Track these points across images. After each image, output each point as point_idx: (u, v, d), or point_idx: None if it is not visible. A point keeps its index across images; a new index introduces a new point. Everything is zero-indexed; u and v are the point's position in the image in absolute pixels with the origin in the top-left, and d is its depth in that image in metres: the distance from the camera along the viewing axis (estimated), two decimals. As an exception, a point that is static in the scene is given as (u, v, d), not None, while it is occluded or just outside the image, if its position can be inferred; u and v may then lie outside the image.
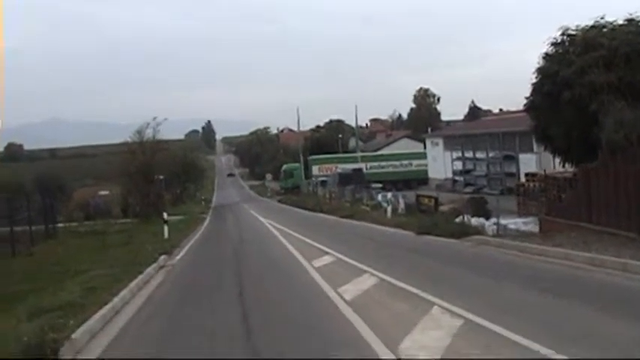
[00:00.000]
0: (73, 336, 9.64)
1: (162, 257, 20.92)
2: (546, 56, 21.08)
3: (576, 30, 20.79)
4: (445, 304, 10.45)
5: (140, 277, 16.23)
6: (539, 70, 21.07)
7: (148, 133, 50.64)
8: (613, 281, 12.20)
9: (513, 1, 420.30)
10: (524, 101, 22.21)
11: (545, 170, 23.61)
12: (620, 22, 20.45)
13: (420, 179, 70.71)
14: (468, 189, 53.26)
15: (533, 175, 28.39)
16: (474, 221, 24.27)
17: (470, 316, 9.57)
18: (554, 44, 21.00)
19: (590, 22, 20.76)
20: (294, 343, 8.99)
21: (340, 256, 18.24)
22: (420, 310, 10.28)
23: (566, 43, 20.73)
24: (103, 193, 67.33)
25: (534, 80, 21.91)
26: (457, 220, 24.73)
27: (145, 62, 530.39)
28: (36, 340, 8.94)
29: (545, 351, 7.60)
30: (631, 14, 20.33)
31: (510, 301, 11.00)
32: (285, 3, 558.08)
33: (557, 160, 24.22)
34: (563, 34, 20.88)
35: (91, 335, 10.22)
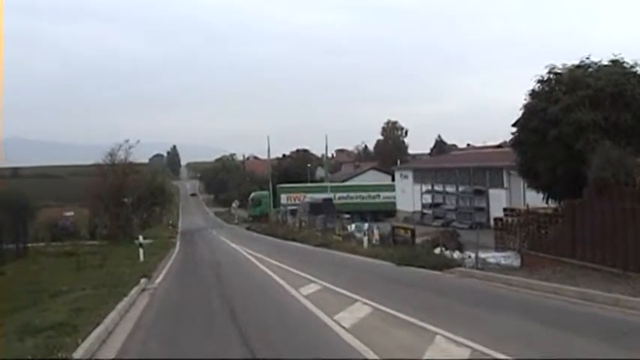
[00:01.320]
0: (75, 355, 9.51)
1: (143, 280, 20.68)
2: (533, 93, 21.44)
3: (562, 69, 21.20)
4: (447, 334, 10.48)
5: (125, 299, 16.01)
6: (526, 107, 21.41)
7: (120, 155, 50.30)
8: (609, 315, 12.35)
9: (478, 39, 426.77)
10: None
11: (528, 205, 23.83)
12: (605, 62, 20.90)
13: (388, 211, 70.92)
14: (437, 222, 53.53)
15: (512, 209, 28.66)
16: (453, 254, 24.45)
17: (475, 345, 9.63)
18: (540, 81, 21.38)
19: (576, 62, 21.19)
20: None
21: (326, 284, 18.17)
22: (424, 339, 10.30)
23: (553, 82, 21.12)
24: (67, 214, 66.28)
25: (520, 116, 22.24)
26: (436, 252, 24.90)
27: (109, 85, 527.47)
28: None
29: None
30: (615, 55, 20.85)
31: (512, 332, 11.09)
32: (251, 29, 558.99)
33: (537, 195, 24.49)
34: (549, 72, 21.27)
35: (91, 355, 10.09)
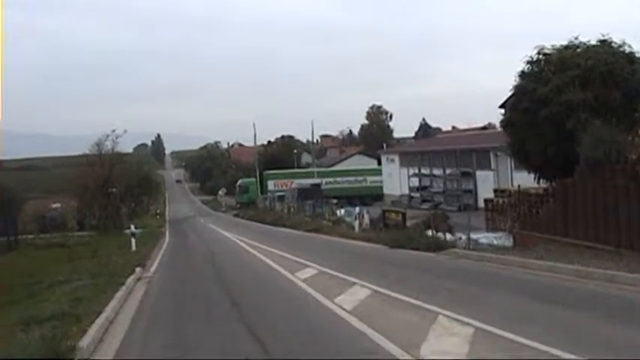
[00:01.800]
0: (80, 343, 9.55)
1: (138, 269, 20.71)
2: (522, 74, 21.54)
3: (551, 49, 21.31)
4: (449, 313, 10.59)
5: (123, 288, 16.06)
6: (516, 88, 21.52)
7: (107, 145, 50.15)
8: (607, 292, 12.47)
9: (459, 24, 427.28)
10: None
11: (519, 186, 23.99)
12: (594, 42, 21.02)
13: (375, 195, 71.02)
14: (425, 205, 53.62)
15: (502, 190, 28.82)
16: (444, 236, 24.61)
17: (479, 324, 9.71)
18: (529, 62, 21.46)
19: (564, 42, 21.30)
20: (310, 352, 9.02)
21: (322, 268, 18.27)
22: (427, 319, 10.40)
23: (542, 62, 21.22)
24: (54, 205, 66.00)
25: (508, 97, 22.38)
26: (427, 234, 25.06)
27: (91, 75, 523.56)
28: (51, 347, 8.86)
29: (567, 356, 7.79)
30: (603, 35, 20.97)
31: (514, 310, 11.22)
32: (233, 18, 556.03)
33: (525, 175, 24.66)
34: (538, 53, 21.37)
35: (96, 344, 10.14)
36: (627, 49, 20.66)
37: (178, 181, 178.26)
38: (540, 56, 21.37)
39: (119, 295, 14.86)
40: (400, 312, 11.37)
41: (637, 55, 20.66)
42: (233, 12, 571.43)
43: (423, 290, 13.41)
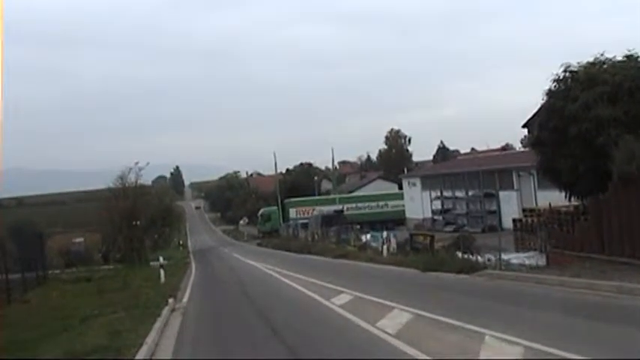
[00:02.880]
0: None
1: (170, 300, 20.67)
2: (550, 92, 21.54)
3: (578, 66, 21.31)
4: (496, 334, 10.50)
5: (159, 319, 16.01)
6: (545, 106, 21.48)
7: (130, 178, 50.42)
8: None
9: (472, 46, 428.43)
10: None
11: (550, 204, 23.86)
12: (619, 58, 21.00)
13: (397, 219, 70.90)
14: (449, 228, 53.54)
15: (531, 210, 28.73)
16: (473, 258, 24.48)
17: (527, 343, 9.66)
18: (556, 80, 21.49)
19: (590, 59, 21.29)
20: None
21: (357, 293, 18.15)
22: (475, 340, 10.32)
23: (569, 80, 21.22)
24: (77, 240, 66.24)
25: (531, 116, 22.37)
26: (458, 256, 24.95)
27: (107, 109, 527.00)
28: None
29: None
30: (630, 51, 20.95)
31: (561, 328, 11.09)
32: (245, 47, 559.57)
33: (549, 194, 24.60)
34: (565, 71, 21.40)
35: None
36: None
37: (197, 208, 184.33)
38: (567, 74, 21.38)
39: (157, 326, 14.81)
40: (446, 334, 11.25)
41: (663, 69, 20.59)
42: (245, 41, 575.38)
43: (464, 312, 13.30)
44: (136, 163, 51.04)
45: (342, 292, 18.92)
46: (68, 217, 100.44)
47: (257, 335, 13.15)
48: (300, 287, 21.98)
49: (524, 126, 36.72)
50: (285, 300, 19.54)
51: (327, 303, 17.02)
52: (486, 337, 10.37)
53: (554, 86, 21.55)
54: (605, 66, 20.97)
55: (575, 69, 21.31)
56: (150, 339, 12.96)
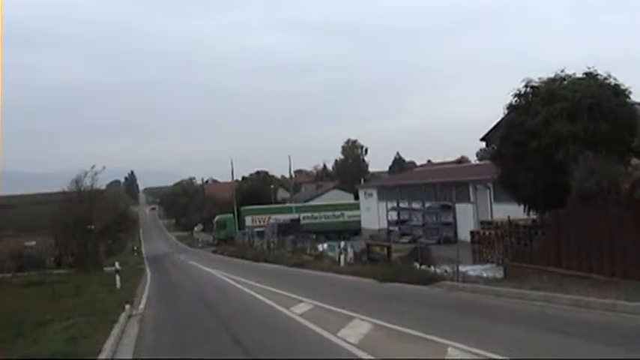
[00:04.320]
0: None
1: (127, 306, 20.41)
2: (510, 107, 21.84)
3: (539, 82, 21.64)
4: (458, 345, 10.58)
5: (117, 325, 15.80)
6: (506, 121, 21.78)
7: (86, 182, 49.81)
8: (611, 321, 12.54)
9: (430, 59, 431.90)
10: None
11: (509, 217, 24.09)
12: (580, 75, 21.39)
13: (353, 230, 71.12)
14: (404, 239, 53.72)
15: (489, 222, 28.99)
16: (430, 269, 24.63)
17: (491, 355, 9.74)
18: (517, 95, 21.80)
19: (551, 75, 21.64)
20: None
21: (316, 302, 18.14)
22: (437, 351, 10.42)
23: (530, 95, 21.55)
24: (29, 243, 65.14)
25: (491, 130, 22.63)
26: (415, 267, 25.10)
27: (61, 111, 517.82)
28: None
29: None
30: (589, 68, 21.37)
31: (522, 341, 11.21)
32: (203, 54, 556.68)
33: (505, 207, 24.92)
34: (526, 86, 21.72)
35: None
36: (613, 82, 21.04)
37: (153, 209, 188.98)
38: (528, 89, 21.70)
39: (115, 332, 14.62)
40: (408, 345, 11.31)
41: (622, 87, 21.03)
42: (203, 48, 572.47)
43: (425, 323, 13.35)
44: (92, 167, 50.54)
45: (301, 301, 18.89)
46: (19, 220, 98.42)
47: (217, 343, 13.06)
48: (258, 295, 21.90)
49: (482, 139, 37.15)
50: (244, 308, 19.44)
51: (286, 312, 16.98)
52: (449, 349, 10.44)
53: (515, 101, 21.86)
54: (565, 82, 21.35)
55: (536, 84, 21.65)
56: (108, 345, 12.78)
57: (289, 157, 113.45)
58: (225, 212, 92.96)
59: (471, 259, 27.10)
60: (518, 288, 17.49)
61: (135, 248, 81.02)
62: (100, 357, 11.52)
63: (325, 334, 12.89)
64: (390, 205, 60.81)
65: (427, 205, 54.87)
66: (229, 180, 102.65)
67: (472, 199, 47.94)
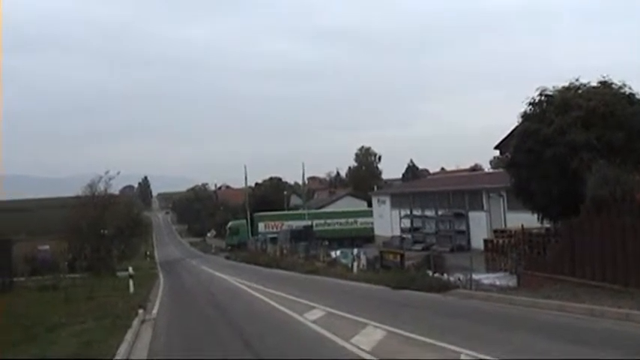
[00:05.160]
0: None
1: (140, 311, 20.48)
2: (525, 115, 21.85)
3: (553, 91, 21.65)
4: (471, 353, 10.58)
5: (130, 330, 15.86)
6: (521, 129, 21.78)
7: (100, 187, 49.99)
8: (626, 330, 12.55)
9: (444, 66, 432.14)
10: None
11: (522, 225, 24.02)
12: (594, 83, 21.39)
13: (366, 237, 71.03)
14: (417, 246, 53.64)
15: (502, 231, 28.94)
16: (443, 277, 24.61)
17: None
18: (532, 104, 21.83)
19: (566, 84, 21.64)
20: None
21: (329, 309, 18.12)
22: (450, 358, 10.35)
23: (544, 104, 21.56)
24: (42, 247, 65.41)
25: (506, 138, 22.61)
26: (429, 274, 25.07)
27: (75, 116, 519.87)
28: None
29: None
30: (604, 77, 21.36)
31: (537, 349, 11.17)
32: (217, 60, 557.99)
33: (518, 216, 24.85)
34: (540, 95, 21.75)
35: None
36: (627, 91, 21.02)
37: (167, 213, 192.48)
38: (542, 97, 21.72)
39: (128, 337, 14.67)
40: (422, 351, 11.30)
41: (637, 96, 21.01)
42: (217, 54, 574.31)
43: (438, 330, 13.34)
44: (106, 172, 50.70)
45: (314, 307, 18.88)
46: (33, 224, 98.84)
47: (231, 348, 13.09)
48: (271, 301, 21.89)
49: (496, 147, 37.16)
50: (257, 314, 19.42)
51: (300, 318, 16.96)
52: (462, 356, 10.43)
53: (530, 109, 21.89)
54: (579, 91, 21.35)
55: (551, 93, 21.67)
56: (122, 349, 12.84)
57: (302, 163, 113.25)
58: (238, 218, 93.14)
59: (484, 268, 27.09)
60: (532, 296, 17.49)
61: (148, 253, 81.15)
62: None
63: (339, 340, 12.87)
64: (403, 213, 60.77)
65: (440, 212, 54.81)
66: (242, 186, 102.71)
67: (485, 207, 47.84)
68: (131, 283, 28.92)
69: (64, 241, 55.00)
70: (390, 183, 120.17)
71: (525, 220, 24.37)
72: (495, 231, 30.81)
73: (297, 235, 59.55)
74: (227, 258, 70.40)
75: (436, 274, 25.35)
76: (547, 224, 22.60)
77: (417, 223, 58.33)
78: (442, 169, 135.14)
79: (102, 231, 49.45)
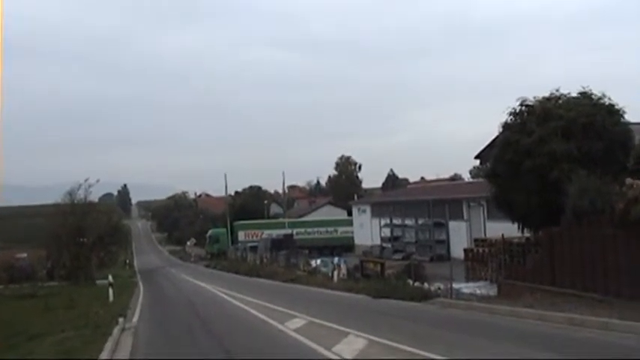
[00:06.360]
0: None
1: (120, 319, 20.36)
2: (505, 125, 22.00)
3: (534, 101, 21.81)
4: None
5: (110, 338, 15.77)
6: (501, 139, 21.92)
7: (79, 195, 49.64)
8: (606, 339, 12.65)
9: (423, 76, 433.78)
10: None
11: (502, 235, 24.16)
12: (574, 94, 21.57)
13: (346, 246, 71.07)
14: (397, 255, 53.75)
15: (483, 240, 29.10)
16: (423, 286, 24.71)
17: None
18: (512, 114, 21.97)
19: (546, 94, 21.82)
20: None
21: (310, 318, 18.12)
22: (433, 368, 10.40)
23: (525, 114, 21.72)
24: (20, 255, 64.98)
25: (486, 148, 22.77)
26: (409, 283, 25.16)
27: (54, 123, 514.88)
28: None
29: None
30: (584, 88, 21.56)
31: (518, 358, 11.21)
32: (198, 67, 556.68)
33: (498, 225, 25.01)
34: (521, 105, 21.89)
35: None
36: (607, 101, 21.22)
37: (147, 220, 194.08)
38: (523, 107, 21.87)
39: (108, 345, 14.58)
40: (403, 361, 11.32)
41: (617, 107, 21.21)
42: (198, 63, 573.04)
43: (419, 339, 13.37)
44: (86, 180, 50.37)
45: (295, 316, 18.87)
46: (10, 231, 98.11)
47: (210, 357, 13.06)
48: (252, 310, 21.85)
49: (476, 157, 37.29)
50: (238, 323, 19.39)
51: (281, 327, 16.92)
52: (445, 365, 10.49)
53: (510, 119, 22.04)
54: (560, 101, 21.53)
55: (531, 103, 21.83)
56: (102, 357, 12.79)
57: (283, 172, 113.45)
58: (218, 227, 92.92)
59: (464, 277, 27.22)
60: (512, 306, 17.60)
61: (127, 261, 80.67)
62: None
63: (320, 349, 12.86)
64: (383, 222, 60.89)
65: (420, 222, 55.00)
66: (222, 194, 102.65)
67: (465, 216, 48.07)
68: (111, 291, 28.77)
69: (43, 249, 54.69)
70: (370, 192, 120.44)
71: (505, 229, 24.52)
72: (476, 240, 30.99)
73: (277, 244, 59.55)
74: (207, 266, 70.14)
75: (416, 283, 25.47)
76: (527, 234, 22.74)
77: (397, 233, 58.44)
78: (422, 178, 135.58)
79: (81, 239, 49.08)
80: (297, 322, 17.54)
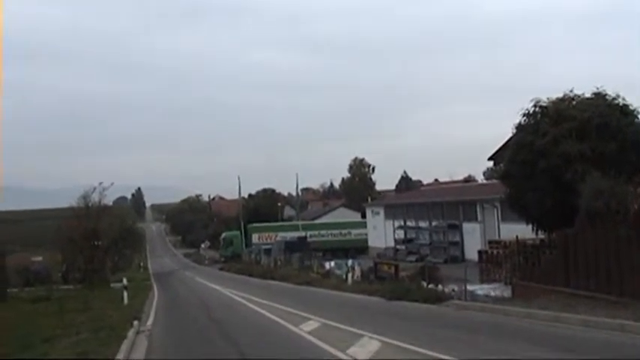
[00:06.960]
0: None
1: (135, 322, 20.45)
2: (519, 126, 21.97)
3: (547, 102, 21.78)
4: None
5: (126, 341, 15.84)
6: (515, 141, 21.90)
7: (94, 198, 49.83)
8: (622, 341, 12.61)
9: (437, 77, 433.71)
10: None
11: (517, 237, 24.11)
12: (588, 95, 21.52)
13: (360, 248, 71.07)
14: (411, 257, 53.71)
15: (497, 242, 29.03)
16: (437, 288, 24.65)
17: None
18: (526, 115, 21.95)
19: (560, 95, 21.79)
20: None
21: (324, 320, 18.12)
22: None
23: (538, 115, 21.69)
24: (36, 259, 65.40)
25: (499, 149, 22.73)
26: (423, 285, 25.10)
27: (67, 127, 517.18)
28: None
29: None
30: (598, 88, 21.51)
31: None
32: (210, 70, 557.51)
33: (512, 227, 24.93)
34: (535, 106, 21.87)
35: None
36: (621, 102, 21.16)
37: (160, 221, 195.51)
38: (536, 109, 21.83)
39: (124, 348, 14.66)
40: (420, 363, 11.32)
41: (631, 107, 21.15)
42: (210, 64, 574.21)
43: (434, 341, 13.37)
44: (100, 183, 50.60)
45: (309, 318, 18.86)
46: (26, 235, 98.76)
47: (226, 359, 13.10)
48: (266, 313, 21.88)
49: (490, 158, 37.30)
50: (252, 325, 19.42)
51: (295, 329, 16.94)
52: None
53: (524, 120, 22.02)
54: (574, 102, 21.50)
55: (545, 104, 21.80)
56: (119, 358, 12.88)
57: (296, 174, 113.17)
58: (231, 229, 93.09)
59: (479, 279, 27.16)
60: (527, 307, 17.53)
61: (141, 265, 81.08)
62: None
63: (334, 351, 12.87)
64: (397, 224, 60.93)
65: (434, 224, 55.00)
66: (236, 197, 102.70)
67: (479, 218, 47.96)
68: (125, 294, 28.86)
69: (58, 253, 54.94)
70: (383, 194, 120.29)
71: (519, 231, 24.46)
72: (490, 242, 30.90)
73: (291, 247, 59.55)
74: (221, 269, 70.27)
75: (430, 285, 25.39)
76: (541, 235, 22.68)
77: (411, 235, 58.47)
78: (436, 180, 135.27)
79: (96, 242, 49.30)
80: (312, 325, 17.55)
